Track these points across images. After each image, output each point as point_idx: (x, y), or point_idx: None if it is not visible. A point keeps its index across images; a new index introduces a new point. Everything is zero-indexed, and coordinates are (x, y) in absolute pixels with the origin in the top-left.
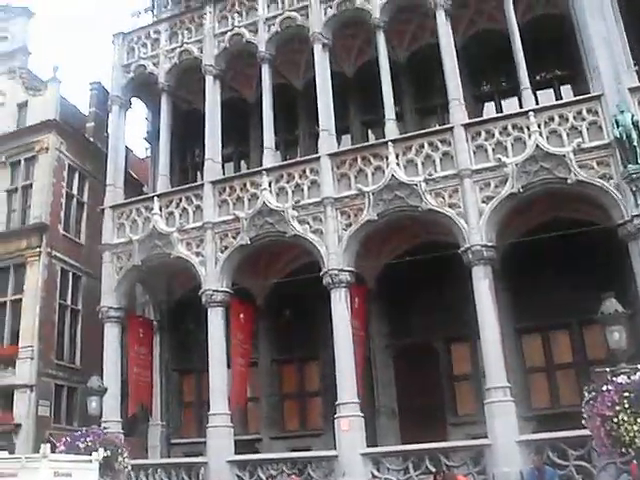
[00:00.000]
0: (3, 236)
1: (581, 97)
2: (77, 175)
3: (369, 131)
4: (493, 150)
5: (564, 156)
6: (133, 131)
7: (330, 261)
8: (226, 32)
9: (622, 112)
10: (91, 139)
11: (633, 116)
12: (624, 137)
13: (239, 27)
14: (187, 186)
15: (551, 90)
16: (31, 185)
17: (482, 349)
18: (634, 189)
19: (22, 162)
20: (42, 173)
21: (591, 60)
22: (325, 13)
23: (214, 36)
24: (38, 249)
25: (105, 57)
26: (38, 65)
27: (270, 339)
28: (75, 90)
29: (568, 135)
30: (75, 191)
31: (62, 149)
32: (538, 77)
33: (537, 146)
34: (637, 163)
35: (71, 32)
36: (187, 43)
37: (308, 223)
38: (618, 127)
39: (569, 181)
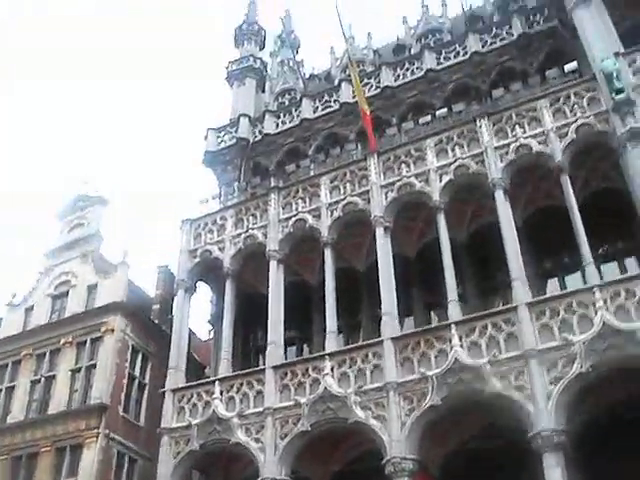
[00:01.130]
0: (63, 416)
1: None
2: (140, 356)
3: (432, 313)
4: (559, 329)
5: (634, 332)
6: (197, 313)
7: (392, 449)
8: (290, 218)
9: None
10: (156, 321)
11: None
12: None
13: (303, 213)
14: (249, 370)
15: (615, 263)
16: (95, 365)
17: None
18: None
19: (88, 342)
20: (106, 354)
21: None
22: (386, 197)
23: (278, 221)
24: (96, 430)
25: (173, 241)
26: (108, 248)
27: None
28: (143, 271)
29: (636, 310)
30: (137, 372)
31: (127, 331)
32: (601, 250)
33: (604, 323)
34: None
35: (141, 216)
36: (252, 229)
37: (370, 409)
38: None
39: None
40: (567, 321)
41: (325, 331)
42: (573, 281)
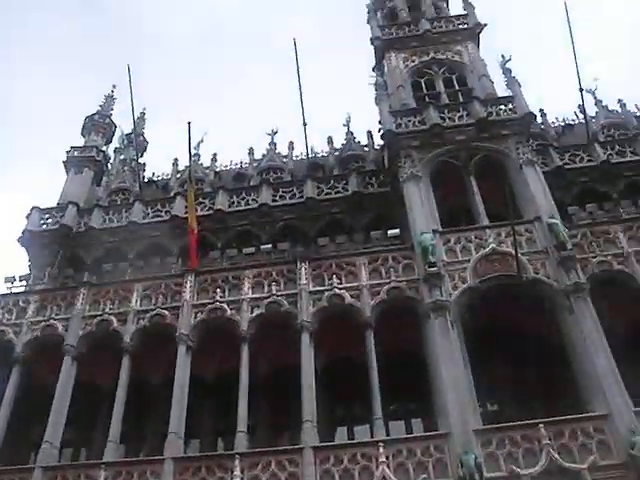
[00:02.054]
0: None
1: (429, 434)
2: None
3: (219, 439)
4: (340, 476)
5: None
6: None
7: None
8: (95, 316)
9: (466, 453)
10: None
11: (476, 458)
12: (467, 478)
13: (109, 314)
14: (17, 467)
15: (402, 422)
16: None
17: None
18: None
19: None
20: None
21: (441, 399)
22: (195, 317)
23: (82, 318)
24: None
25: None
26: None
27: None
28: None
29: (415, 470)
30: None
31: None
32: (392, 407)
33: (384, 478)
34: None
35: None
36: (54, 319)
37: None
38: (462, 467)
39: None
40: (349, 470)
41: (107, 438)
42: (362, 432)
